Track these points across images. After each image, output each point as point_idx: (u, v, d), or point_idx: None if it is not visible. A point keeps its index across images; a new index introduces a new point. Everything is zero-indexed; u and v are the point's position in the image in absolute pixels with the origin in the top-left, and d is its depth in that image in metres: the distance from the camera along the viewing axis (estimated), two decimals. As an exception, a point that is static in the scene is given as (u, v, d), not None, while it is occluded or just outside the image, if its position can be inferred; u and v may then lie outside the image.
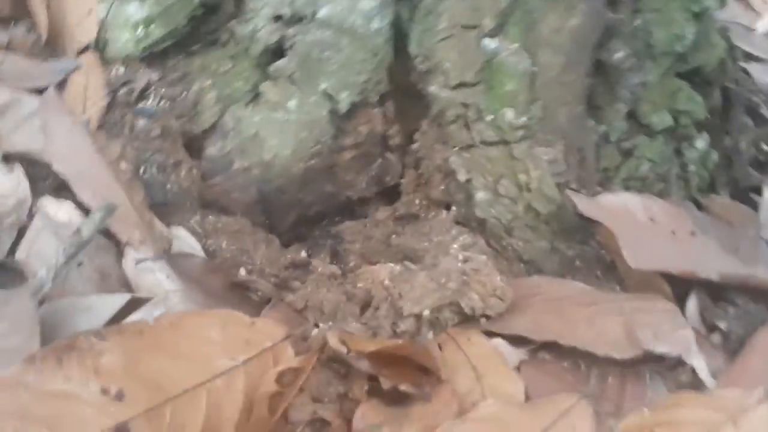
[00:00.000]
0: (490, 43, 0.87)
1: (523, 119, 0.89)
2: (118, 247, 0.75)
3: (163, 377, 0.59)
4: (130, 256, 0.73)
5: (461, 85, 0.90)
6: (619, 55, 0.91)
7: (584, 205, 0.85)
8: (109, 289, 0.72)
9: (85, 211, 0.77)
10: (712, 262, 0.85)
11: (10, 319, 0.61)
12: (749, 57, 1.36)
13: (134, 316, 0.66)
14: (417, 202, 1.03)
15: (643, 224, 0.86)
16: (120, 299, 0.68)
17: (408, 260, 0.97)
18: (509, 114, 0.89)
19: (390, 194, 1.06)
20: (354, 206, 1.05)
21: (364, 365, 0.66)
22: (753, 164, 1.11)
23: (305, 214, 1.01)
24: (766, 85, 1.26)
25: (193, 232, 0.86)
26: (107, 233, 0.75)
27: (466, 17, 0.87)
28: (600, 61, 0.92)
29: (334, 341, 0.67)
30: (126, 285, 0.73)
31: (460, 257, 0.87)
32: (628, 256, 0.82)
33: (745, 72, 1.30)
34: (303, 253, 0.94)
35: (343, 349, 0.66)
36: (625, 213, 0.86)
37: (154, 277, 0.72)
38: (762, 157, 1.11)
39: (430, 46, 0.91)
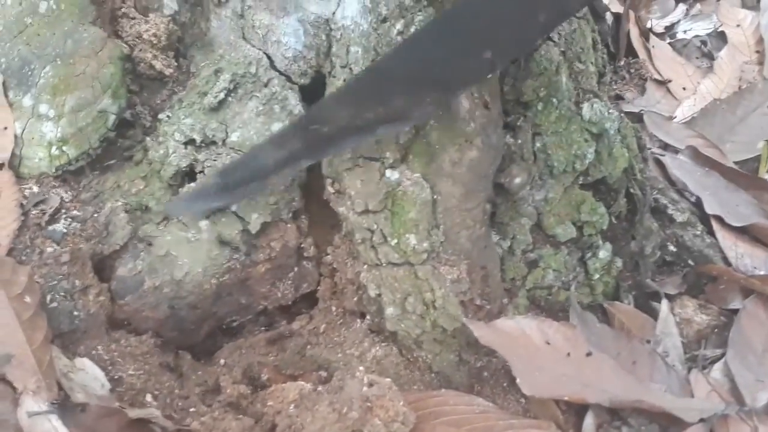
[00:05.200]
0: (393, 174, 0.90)
1: (425, 244, 0.92)
2: (14, 394, 0.76)
3: None
4: (25, 406, 0.74)
5: (366, 211, 0.92)
6: (518, 180, 0.95)
7: (481, 332, 0.88)
8: (4, 437, 0.73)
9: (-16, 356, 0.78)
10: (606, 383, 0.88)
11: None
12: (666, 147, 1.41)
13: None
14: (333, 309, 1.06)
15: (538, 348, 0.89)
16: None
17: (322, 371, 0.99)
18: (412, 239, 0.92)
19: (309, 299, 1.08)
20: (272, 314, 1.07)
21: None
22: (661, 265, 1.15)
23: (220, 326, 1.02)
24: (679, 178, 1.30)
25: (99, 361, 0.87)
26: (3, 379, 0.76)
27: (370, 150, 0.90)
28: (500, 183, 0.96)
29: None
30: (21, 433, 0.74)
31: (365, 381, 0.89)
32: (522, 384, 0.85)
33: (660, 164, 1.35)
34: (212, 373, 0.95)
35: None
36: (522, 337, 0.89)
37: (50, 426, 0.73)
38: (669, 257, 1.15)
39: (338, 172, 0.93)
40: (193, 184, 0.92)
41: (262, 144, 0.90)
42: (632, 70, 1.54)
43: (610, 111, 1.01)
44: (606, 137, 1.00)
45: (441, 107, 0.84)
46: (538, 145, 0.97)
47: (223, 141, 0.94)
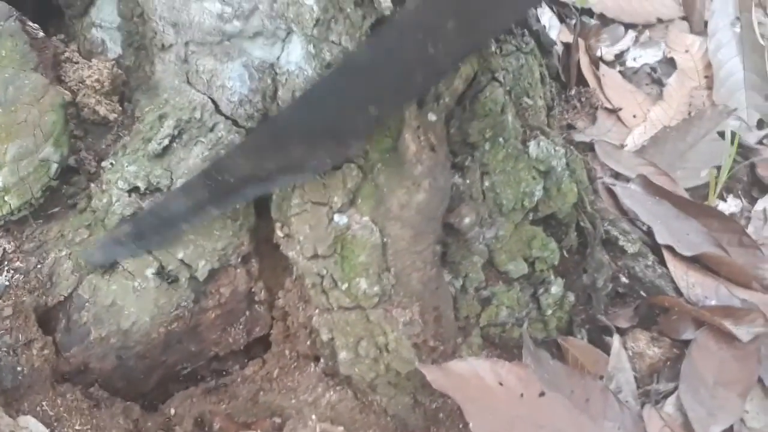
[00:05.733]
0: (341, 218, 0.90)
1: (376, 288, 0.91)
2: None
3: None
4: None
5: (316, 256, 0.92)
6: (467, 220, 0.95)
7: (433, 375, 0.88)
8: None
9: None
10: (559, 424, 0.88)
11: None
12: (617, 175, 1.43)
13: None
14: (287, 353, 1.04)
15: (492, 389, 0.89)
16: None
17: (276, 417, 0.98)
18: (363, 283, 0.91)
19: (263, 343, 1.07)
20: (224, 359, 1.05)
21: None
22: (613, 297, 1.16)
23: (171, 373, 1.01)
24: (630, 208, 1.31)
25: (44, 417, 0.85)
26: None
27: (317, 195, 0.89)
28: (450, 223, 0.96)
29: None
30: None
31: (318, 430, 0.88)
32: (475, 428, 0.84)
33: (612, 193, 1.36)
34: (164, 424, 0.93)
35: None
36: (474, 378, 0.89)
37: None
38: (621, 289, 1.16)
39: (287, 216, 0.93)
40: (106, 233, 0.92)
41: (172, 192, 0.91)
42: (583, 99, 1.55)
43: (557, 148, 1.02)
44: (554, 174, 1.01)
45: (336, 158, 0.87)
46: (486, 184, 0.97)
47: (168, 188, 0.93)
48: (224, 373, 1.04)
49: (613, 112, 1.55)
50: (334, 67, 0.85)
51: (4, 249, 0.94)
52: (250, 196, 0.92)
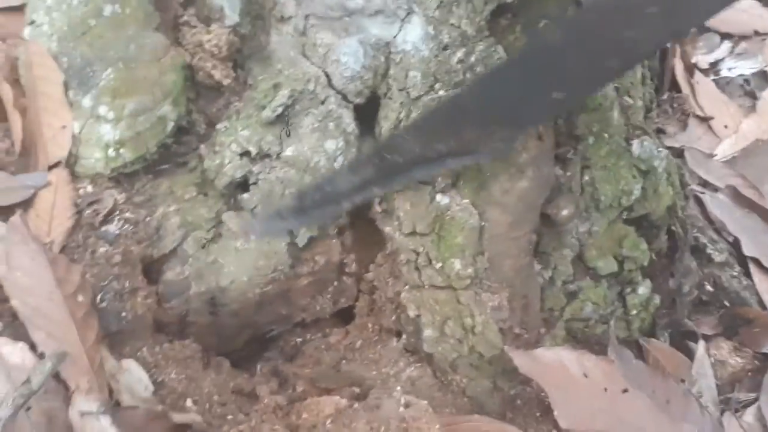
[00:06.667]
0: (443, 199, 0.92)
1: (470, 270, 0.93)
2: (66, 392, 0.78)
3: None
4: (77, 405, 0.76)
5: (414, 233, 0.94)
6: (565, 212, 0.95)
7: (521, 361, 0.89)
8: (55, 435, 0.75)
9: (39, 352, 0.80)
10: (641, 421, 0.89)
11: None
12: (705, 184, 1.41)
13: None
14: (369, 326, 1.07)
15: (576, 381, 0.90)
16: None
17: (356, 386, 1.00)
18: (457, 264, 0.93)
19: (345, 314, 1.10)
20: (309, 326, 1.08)
21: None
22: (696, 305, 1.16)
23: (258, 335, 1.04)
24: (717, 217, 1.30)
25: (144, 363, 0.89)
26: (56, 377, 0.78)
27: (423, 174, 0.91)
28: (547, 214, 0.97)
29: None
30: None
31: (402, 401, 0.90)
32: (559, 416, 0.86)
33: (699, 201, 1.35)
34: (250, 381, 0.97)
35: None
36: (560, 368, 0.90)
37: (99, 426, 0.75)
38: (705, 297, 1.16)
39: (388, 192, 0.95)
40: (258, 209, 0.95)
41: (338, 170, 0.93)
42: (675, 105, 1.54)
43: (659, 149, 1.01)
44: (653, 174, 1.01)
45: (509, 142, 0.86)
46: (586, 178, 0.97)
47: (278, 155, 0.95)
48: (307, 340, 1.07)
49: (705, 120, 1.53)
50: (521, 50, 0.84)
51: (116, 199, 0.98)
52: (416, 177, 0.91)
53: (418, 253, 0.94)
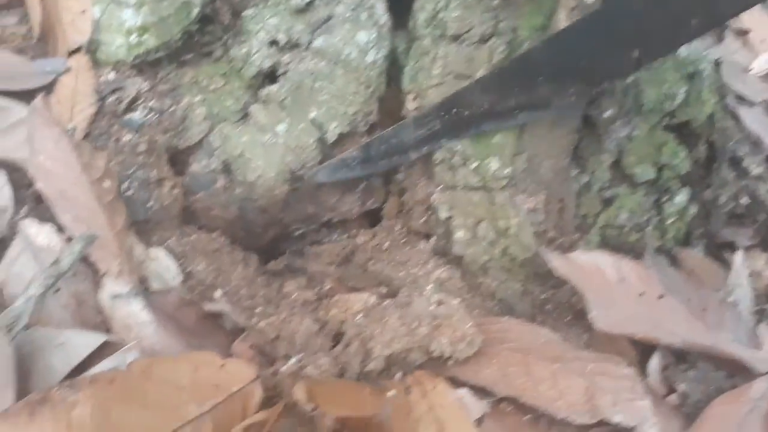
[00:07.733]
0: (483, 94, 0.88)
1: (508, 170, 0.90)
2: (95, 275, 0.76)
3: (132, 428, 0.61)
4: (107, 288, 0.74)
5: (450, 130, 0.90)
6: (608, 113, 0.92)
7: (556, 263, 0.87)
8: (84, 317, 0.73)
9: (66, 234, 0.77)
10: (677, 327, 0.87)
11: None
12: (741, 99, 1.37)
13: (107, 362, 0.67)
14: (397, 228, 1.04)
15: (612, 284, 0.88)
16: (94, 340, 0.69)
17: (384, 286, 0.99)
18: (494, 164, 0.90)
19: (371, 216, 1.07)
20: (335, 226, 1.06)
21: (328, 421, 0.68)
22: (732, 217, 1.13)
23: (285, 233, 1.02)
24: (754, 131, 1.26)
25: (172, 253, 0.86)
26: (85, 260, 0.76)
27: (461, 67, 0.87)
28: (589, 115, 0.93)
29: (300, 395, 0.68)
30: (101, 315, 0.74)
31: (434, 299, 0.88)
32: (595, 318, 0.84)
33: (735, 117, 1.31)
34: (278, 276, 0.95)
35: (309, 406, 0.67)
36: (596, 272, 0.88)
37: (130, 309, 0.73)
38: (740, 210, 1.13)
39: (422, 87, 0.91)
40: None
41: (402, 123, 0.93)
42: (712, 17, 1.48)
43: (707, 51, 0.97)
44: (698, 79, 0.97)
45: (583, 97, 0.86)
46: (630, 79, 0.93)
47: (308, 45, 0.91)
48: (334, 240, 1.05)
49: (742, 34, 1.47)
50: (599, 6, 0.82)
51: (139, 87, 0.94)
52: (485, 129, 0.90)
53: (453, 152, 0.91)
